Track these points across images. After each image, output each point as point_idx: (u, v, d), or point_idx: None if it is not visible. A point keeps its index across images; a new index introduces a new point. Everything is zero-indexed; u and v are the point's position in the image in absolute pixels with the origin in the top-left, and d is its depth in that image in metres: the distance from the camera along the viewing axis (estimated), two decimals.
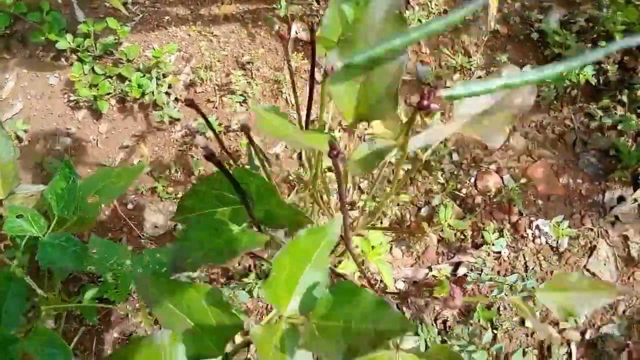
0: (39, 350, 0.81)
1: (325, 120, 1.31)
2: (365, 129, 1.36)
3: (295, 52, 1.50)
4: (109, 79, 1.49)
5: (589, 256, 1.32)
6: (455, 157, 1.37)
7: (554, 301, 0.68)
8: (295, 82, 0.77)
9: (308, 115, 0.80)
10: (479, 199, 1.33)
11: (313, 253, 0.60)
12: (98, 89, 1.45)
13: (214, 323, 0.65)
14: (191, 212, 0.68)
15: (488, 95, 0.81)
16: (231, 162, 0.89)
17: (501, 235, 1.28)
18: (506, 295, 1.25)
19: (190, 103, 0.63)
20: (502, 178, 1.35)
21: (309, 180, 0.96)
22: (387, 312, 0.49)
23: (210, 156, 0.53)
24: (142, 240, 1.37)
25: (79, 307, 1.14)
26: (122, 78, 1.49)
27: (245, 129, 0.73)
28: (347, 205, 0.82)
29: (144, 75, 1.48)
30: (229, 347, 0.68)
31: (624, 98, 1.35)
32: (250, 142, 0.75)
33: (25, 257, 1.11)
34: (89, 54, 1.50)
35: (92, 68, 1.50)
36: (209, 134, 1.42)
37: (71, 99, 1.49)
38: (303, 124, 0.78)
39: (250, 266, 1.31)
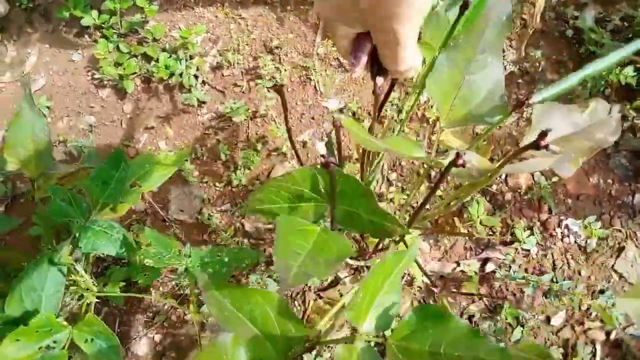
0: (88, 341, 0.79)
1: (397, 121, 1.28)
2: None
3: (325, 39, 1.48)
4: (135, 58, 1.46)
5: (617, 257, 1.31)
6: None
7: (635, 308, 0.67)
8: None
9: (379, 113, 0.78)
10: (509, 196, 1.32)
11: (391, 273, 0.59)
12: (124, 68, 1.43)
13: (279, 331, 0.62)
14: (263, 204, 0.66)
15: (571, 123, 0.79)
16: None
17: (532, 234, 1.27)
18: (534, 292, 1.25)
19: (278, 90, 0.61)
20: (533, 175, 1.34)
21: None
22: (484, 342, 0.49)
23: (328, 163, 0.51)
24: (167, 224, 1.35)
25: (113, 296, 1.13)
26: (147, 58, 1.47)
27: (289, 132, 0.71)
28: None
29: (171, 56, 1.45)
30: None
31: None
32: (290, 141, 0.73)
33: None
34: (114, 31, 1.47)
35: (117, 46, 1.47)
36: (239, 118, 1.39)
37: (95, 76, 1.46)
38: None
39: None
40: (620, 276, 1.31)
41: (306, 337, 0.60)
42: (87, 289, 1.03)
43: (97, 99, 1.46)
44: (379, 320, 0.55)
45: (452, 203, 1.24)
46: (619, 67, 1.28)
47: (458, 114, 0.64)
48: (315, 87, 1.45)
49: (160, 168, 1.01)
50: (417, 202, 1.32)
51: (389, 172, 1.36)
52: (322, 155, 0.49)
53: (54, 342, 0.82)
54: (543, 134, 0.51)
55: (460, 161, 0.48)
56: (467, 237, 1.30)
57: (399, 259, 0.58)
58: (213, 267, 0.83)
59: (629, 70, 1.27)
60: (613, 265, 1.31)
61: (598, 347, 1.27)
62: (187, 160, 1.38)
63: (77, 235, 0.92)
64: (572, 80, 0.70)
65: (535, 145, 0.53)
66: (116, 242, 0.93)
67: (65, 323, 0.86)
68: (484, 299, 1.26)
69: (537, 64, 1.42)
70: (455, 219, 1.26)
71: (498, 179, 1.33)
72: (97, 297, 1.28)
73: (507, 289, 1.27)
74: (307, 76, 1.46)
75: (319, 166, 0.59)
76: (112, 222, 0.94)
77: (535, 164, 0.68)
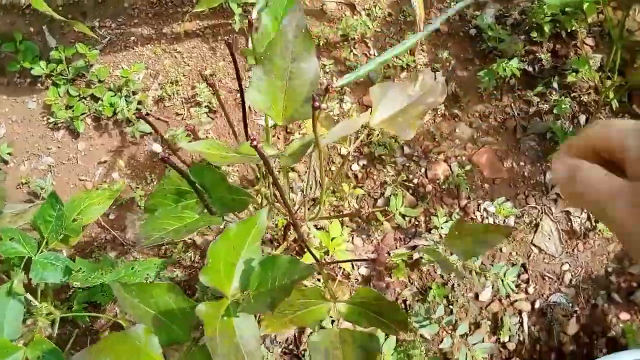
0: (40, 358, 0.92)
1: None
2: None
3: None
4: (83, 100, 1.60)
5: (535, 232, 1.43)
6: (406, 150, 1.48)
7: (458, 246, 0.79)
8: (221, 102, 0.89)
9: (245, 126, 0.92)
10: (429, 187, 1.45)
11: (246, 241, 0.73)
12: (73, 110, 1.56)
13: (178, 312, 0.76)
14: (156, 207, 0.79)
15: (405, 96, 0.93)
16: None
17: (450, 218, 1.39)
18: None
19: (141, 116, 0.74)
20: (450, 166, 1.46)
21: (258, 182, 1.07)
22: (297, 265, 0.62)
23: (165, 159, 0.65)
24: (125, 247, 1.48)
25: (73, 315, 1.26)
26: (95, 98, 1.60)
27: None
28: (307, 198, 0.94)
29: (115, 94, 1.58)
30: (197, 334, 0.79)
31: (556, 84, 1.46)
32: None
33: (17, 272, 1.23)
34: (63, 77, 1.61)
35: (67, 90, 1.60)
36: (182, 144, 1.53)
37: (50, 120, 1.60)
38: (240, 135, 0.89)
39: None
40: (540, 249, 1.43)
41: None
42: (49, 313, 1.17)
43: (54, 141, 1.60)
44: (242, 282, 0.69)
45: (377, 198, 1.37)
46: (508, 59, 1.41)
47: (288, 114, 0.77)
48: (249, 107, 1.58)
49: (98, 202, 1.15)
50: (347, 202, 1.44)
51: (322, 176, 1.48)
52: (158, 154, 0.62)
53: None
54: (315, 97, 0.65)
55: (254, 143, 0.60)
56: (395, 230, 1.42)
57: (250, 225, 0.71)
58: (128, 278, 0.96)
59: (514, 62, 1.40)
60: (532, 240, 1.43)
61: (525, 316, 1.39)
62: (138, 187, 1.51)
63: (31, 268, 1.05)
64: (368, 66, 0.84)
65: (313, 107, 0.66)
66: (61, 270, 1.06)
67: (20, 345, 0.99)
68: (415, 283, 1.38)
69: (448, 64, 1.54)
70: (378, 213, 1.39)
71: (418, 172, 1.46)
72: (68, 321, 1.42)
73: (435, 272, 1.40)
74: (241, 98, 1.59)
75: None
76: (57, 254, 1.07)
77: (349, 125, 0.81)
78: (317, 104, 0.65)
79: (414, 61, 1.53)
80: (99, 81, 1.62)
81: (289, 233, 1.25)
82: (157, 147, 0.64)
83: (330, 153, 1.50)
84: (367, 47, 1.59)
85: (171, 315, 0.77)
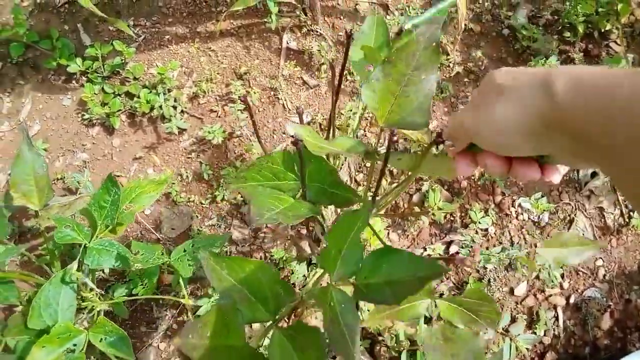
0: (102, 340, 0.93)
1: (352, 125, 1.44)
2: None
3: (288, 61, 1.63)
4: (119, 97, 1.61)
5: (569, 228, 1.45)
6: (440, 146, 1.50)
7: (551, 255, 0.80)
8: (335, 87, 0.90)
9: (333, 122, 0.93)
10: (464, 183, 1.46)
11: (352, 230, 0.73)
12: (109, 107, 1.58)
13: (268, 291, 0.76)
14: (247, 182, 0.80)
15: None
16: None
17: (486, 214, 1.41)
18: (495, 267, 1.38)
19: (244, 100, 0.75)
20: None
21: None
22: (422, 262, 0.62)
23: (297, 142, 0.66)
24: (161, 242, 1.49)
25: (117, 307, 1.27)
26: (130, 95, 1.62)
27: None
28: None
29: (151, 91, 1.60)
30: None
31: None
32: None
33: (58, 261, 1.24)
34: (98, 75, 1.63)
35: (102, 88, 1.62)
36: (217, 140, 1.54)
37: (84, 117, 1.62)
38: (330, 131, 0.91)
39: (260, 258, 1.44)
40: None
41: (293, 297, 0.74)
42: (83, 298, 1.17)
43: (88, 137, 1.62)
44: (347, 268, 0.69)
45: (412, 194, 1.38)
46: (544, 58, 1.43)
47: (394, 119, 0.78)
48: (283, 105, 1.60)
49: (148, 191, 1.16)
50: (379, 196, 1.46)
51: (356, 173, 1.50)
52: (292, 136, 0.63)
53: (74, 345, 0.96)
54: (438, 136, 0.66)
55: (394, 138, 0.61)
56: (430, 225, 1.44)
57: (355, 220, 0.72)
58: (189, 255, 0.97)
59: (552, 60, 1.42)
60: None
61: (560, 311, 1.40)
62: (174, 183, 1.53)
63: (82, 255, 1.06)
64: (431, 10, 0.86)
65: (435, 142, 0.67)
66: (117, 256, 1.07)
67: (81, 329, 1.00)
68: (451, 278, 1.39)
69: (480, 63, 1.57)
70: (416, 208, 1.40)
71: None
72: (106, 313, 1.43)
73: (471, 267, 1.41)
74: (275, 96, 1.61)
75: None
76: (111, 240, 1.09)
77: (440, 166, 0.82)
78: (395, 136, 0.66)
79: (447, 59, 1.55)
80: (134, 79, 1.64)
81: None
82: (291, 129, 0.66)
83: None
84: None
85: (260, 294, 0.77)
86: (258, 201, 0.72)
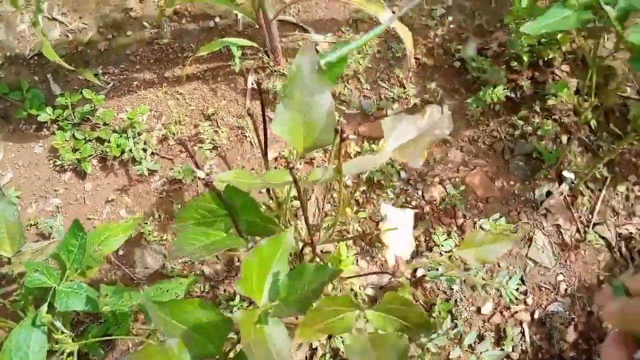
0: None
1: (287, 156, 1.51)
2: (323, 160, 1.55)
3: (253, 100, 1.70)
4: (90, 142, 1.65)
5: (529, 246, 1.52)
6: (403, 174, 1.57)
7: (470, 254, 0.86)
8: (257, 128, 0.96)
9: (265, 155, 0.99)
10: (427, 208, 1.53)
11: (275, 257, 0.79)
12: (81, 152, 1.62)
13: (209, 325, 0.81)
14: (187, 221, 0.85)
15: (415, 128, 1.02)
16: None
17: (449, 237, 1.47)
18: (460, 287, 1.43)
19: (181, 142, 0.81)
20: (445, 188, 1.55)
21: (275, 207, 1.14)
22: (324, 271, 0.68)
23: (208, 184, 0.71)
24: (135, 281, 1.51)
25: (91, 346, 1.28)
26: (101, 140, 1.66)
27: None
28: (312, 225, 1.01)
29: (121, 136, 1.65)
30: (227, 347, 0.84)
31: (538, 108, 1.58)
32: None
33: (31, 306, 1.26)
34: (69, 122, 1.68)
35: (73, 134, 1.66)
36: (187, 180, 1.59)
37: (56, 163, 1.65)
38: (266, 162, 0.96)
39: (234, 292, 1.47)
40: (535, 262, 1.50)
41: (231, 329, 0.78)
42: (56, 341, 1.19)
43: (60, 182, 1.65)
44: (271, 293, 0.74)
45: (378, 221, 1.44)
46: (492, 87, 1.52)
47: (308, 143, 0.85)
48: (251, 142, 1.66)
49: (116, 234, 1.20)
50: (345, 224, 1.51)
51: (324, 204, 1.56)
52: (202, 179, 0.69)
53: None
54: (343, 128, 0.72)
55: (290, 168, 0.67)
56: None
57: (278, 244, 0.77)
58: (157, 297, 1.01)
59: (499, 89, 1.51)
60: (527, 254, 1.51)
61: (525, 327, 1.45)
62: (146, 223, 1.56)
63: (52, 298, 1.08)
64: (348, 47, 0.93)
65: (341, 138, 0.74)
66: (86, 299, 1.10)
67: None
68: (419, 300, 1.44)
69: (436, 94, 1.66)
70: (381, 235, 1.45)
71: (415, 195, 1.54)
72: (82, 355, 1.43)
73: (438, 289, 1.46)
74: (242, 134, 1.67)
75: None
76: (80, 283, 1.11)
77: (368, 161, 0.88)
78: (345, 134, 0.72)
79: (404, 92, 1.64)
80: (105, 124, 1.68)
81: (304, 253, 1.31)
82: (201, 173, 0.71)
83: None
84: (359, 82, 1.69)
85: (203, 330, 0.82)
86: (181, 237, 0.78)
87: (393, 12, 1.31)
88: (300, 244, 1.06)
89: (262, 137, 0.95)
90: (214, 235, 0.85)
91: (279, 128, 0.85)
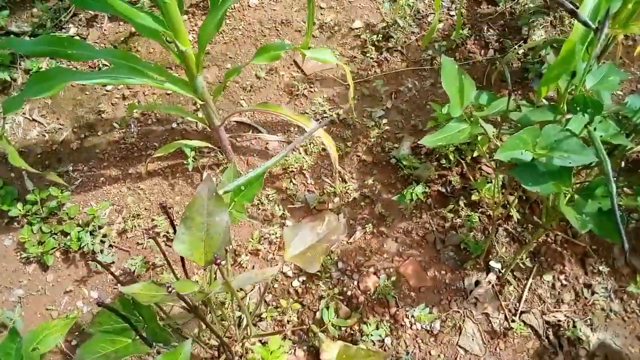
0: None
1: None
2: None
3: None
4: (54, 236, 1.79)
5: (459, 334, 1.59)
6: (340, 265, 1.68)
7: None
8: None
9: (184, 265, 1.11)
10: (362, 298, 1.62)
11: None
12: (44, 246, 1.75)
13: None
14: (101, 325, 0.96)
15: (314, 234, 1.15)
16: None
17: (378, 327, 1.55)
18: None
19: (152, 237, 0.93)
20: (379, 278, 1.64)
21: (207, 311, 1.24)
22: None
23: (101, 304, 0.82)
24: None
25: None
26: (65, 233, 1.80)
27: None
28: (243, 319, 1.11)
29: (83, 229, 1.78)
30: None
31: (465, 201, 1.70)
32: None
33: None
34: (37, 216, 1.82)
35: (40, 228, 1.80)
36: (141, 271, 1.70)
37: (22, 256, 1.78)
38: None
39: None
40: (465, 350, 1.57)
41: None
42: None
43: (25, 274, 1.77)
44: None
45: (315, 311, 1.53)
46: (414, 186, 1.66)
47: (208, 257, 0.97)
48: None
49: (54, 332, 1.30)
50: (289, 316, 1.60)
51: (267, 294, 1.65)
52: (96, 299, 0.80)
53: None
54: (216, 258, 0.84)
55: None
56: (333, 339, 1.57)
57: (175, 356, 0.87)
58: None
59: (419, 189, 1.65)
60: (458, 342, 1.58)
61: None
62: None
63: None
64: (250, 174, 1.06)
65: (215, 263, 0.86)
66: None
67: None
68: None
69: (374, 189, 1.79)
70: (314, 326, 1.54)
71: (351, 285, 1.64)
72: None
73: None
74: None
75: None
76: None
77: (258, 274, 1.00)
78: (218, 260, 0.85)
79: (346, 187, 1.78)
80: (70, 218, 1.82)
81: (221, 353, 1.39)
82: (95, 294, 0.84)
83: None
84: (305, 177, 1.84)
85: None
86: (87, 345, 0.89)
87: (318, 122, 1.47)
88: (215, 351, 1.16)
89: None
90: (120, 342, 0.95)
91: (180, 246, 0.97)
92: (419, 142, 1.28)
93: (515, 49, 1.96)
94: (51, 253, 1.76)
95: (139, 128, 1.99)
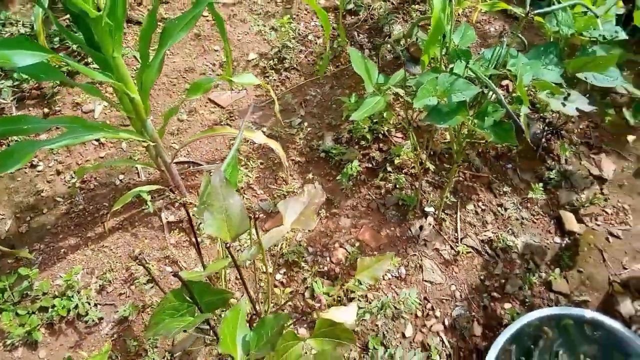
0: None
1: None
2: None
3: (172, 231, 2.00)
4: (35, 314, 1.82)
5: (422, 272, 1.91)
6: (311, 249, 1.93)
7: (365, 276, 1.22)
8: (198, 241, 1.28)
9: (200, 254, 1.30)
10: (337, 269, 1.88)
11: (237, 320, 1.08)
12: (29, 324, 1.78)
13: None
14: (158, 324, 1.11)
15: (301, 203, 1.39)
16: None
17: (360, 284, 1.82)
18: (384, 322, 1.76)
19: (140, 263, 1.10)
20: (345, 249, 1.92)
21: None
22: (280, 317, 0.99)
23: (178, 275, 1.01)
24: None
25: None
26: (44, 309, 1.84)
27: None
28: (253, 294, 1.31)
29: (62, 298, 1.84)
30: None
31: (390, 168, 2.06)
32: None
33: None
34: (9, 303, 1.84)
35: (16, 312, 1.83)
36: (132, 316, 1.80)
37: (7, 343, 1.79)
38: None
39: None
40: (431, 282, 1.89)
41: None
42: None
43: None
44: (244, 348, 1.03)
45: (303, 292, 1.75)
46: (351, 164, 1.98)
47: (233, 233, 1.18)
48: (178, 265, 1.93)
49: None
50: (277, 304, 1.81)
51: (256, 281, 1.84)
52: (174, 274, 0.99)
53: None
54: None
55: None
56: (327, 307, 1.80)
57: (236, 313, 1.07)
58: None
59: (355, 164, 1.98)
60: (423, 278, 1.90)
61: (442, 335, 1.80)
62: None
63: None
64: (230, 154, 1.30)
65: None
66: None
67: None
68: (356, 343, 1.74)
69: (314, 181, 2.08)
70: (309, 300, 1.77)
71: (325, 261, 1.90)
72: None
73: (367, 329, 1.77)
74: (172, 261, 1.94)
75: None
76: None
77: (276, 232, 1.23)
78: (257, 216, 1.08)
79: (289, 187, 2.04)
80: (44, 294, 1.87)
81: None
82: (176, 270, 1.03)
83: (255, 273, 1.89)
84: (254, 190, 2.07)
85: None
86: (166, 326, 1.07)
87: (263, 132, 1.73)
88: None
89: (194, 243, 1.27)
90: (185, 320, 1.12)
91: (209, 229, 1.18)
92: (350, 118, 1.59)
93: (384, 43, 2.39)
94: (38, 329, 1.79)
95: (83, 195, 2.09)
